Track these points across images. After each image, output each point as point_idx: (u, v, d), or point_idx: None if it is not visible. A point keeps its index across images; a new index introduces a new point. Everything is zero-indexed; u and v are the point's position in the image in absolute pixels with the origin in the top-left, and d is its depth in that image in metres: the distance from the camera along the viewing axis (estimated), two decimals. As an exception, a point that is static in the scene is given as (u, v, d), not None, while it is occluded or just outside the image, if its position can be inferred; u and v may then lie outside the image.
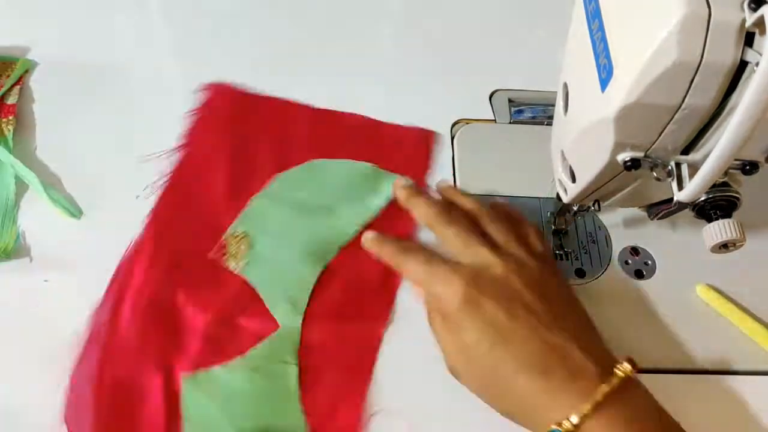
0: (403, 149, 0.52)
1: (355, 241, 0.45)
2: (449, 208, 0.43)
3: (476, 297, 0.36)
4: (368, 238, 0.43)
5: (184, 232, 0.46)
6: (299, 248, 0.45)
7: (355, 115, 0.53)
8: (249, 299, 0.43)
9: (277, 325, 0.42)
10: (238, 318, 0.42)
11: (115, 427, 0.38)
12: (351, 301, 0.44)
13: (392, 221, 0.47)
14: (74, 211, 0.48)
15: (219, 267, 0.44)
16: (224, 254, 0.45)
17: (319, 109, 0.53)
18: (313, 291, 0.44)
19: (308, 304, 0.43)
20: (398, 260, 0.41)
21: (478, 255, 0.39)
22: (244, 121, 0.51)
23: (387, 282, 0.45)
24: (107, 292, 0.43)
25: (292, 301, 0.43)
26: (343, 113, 0.53)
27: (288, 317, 0.42)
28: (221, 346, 0.41)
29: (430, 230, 0.42)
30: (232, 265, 0.44)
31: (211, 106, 0.51)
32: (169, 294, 0.43)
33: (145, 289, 0.43)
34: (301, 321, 0.42)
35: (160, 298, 0.42)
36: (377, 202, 0.48)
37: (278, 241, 0.46)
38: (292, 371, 0.41)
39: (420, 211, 0.43)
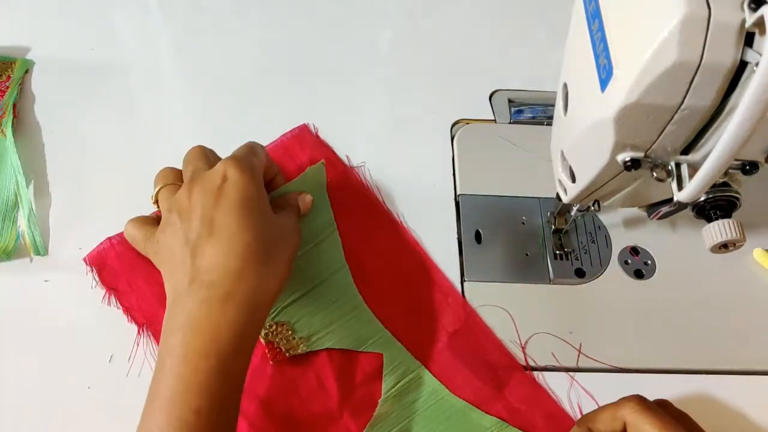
0: (288, 152, 0.52)
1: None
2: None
3: None
4: None
5: None
6: (317, 290, 0.45)
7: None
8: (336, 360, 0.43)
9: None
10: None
11: None
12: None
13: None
14: (41, 248, 0.46)
15: (290, 361, 0.43)
16: (279, 351, 0.43)
17: None
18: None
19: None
20: None
21: None
22: None
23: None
24: None
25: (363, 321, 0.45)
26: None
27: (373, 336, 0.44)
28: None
29: None
30: (300, 350, 0.43)
31: (112, 270, 0.46)
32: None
33: None
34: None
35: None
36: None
37: (300, 304, 0.45)
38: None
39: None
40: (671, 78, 0.28)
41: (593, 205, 0.42)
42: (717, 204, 0.35)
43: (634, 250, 0.49)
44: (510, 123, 0.56)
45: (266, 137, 0.53)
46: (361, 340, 0.44)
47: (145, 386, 0.41)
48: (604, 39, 0.31)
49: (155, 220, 0.41)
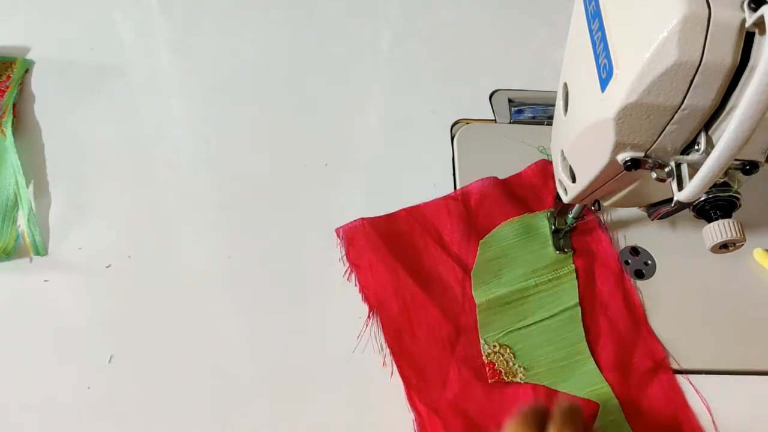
0: (532, 186, 0.52)
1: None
2: None
3: None
4: None
5: (436, 374, 0.43)
6: (546, 323, 0.45)
7: (477, 182, 0.51)
8: (550, 399, 0.43)
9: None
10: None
11: None
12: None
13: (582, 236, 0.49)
14: (41, 248, 0.46)
15: (502, 386, 0.43)
16: (499, 372, 0.43)
17: (447, 197, 0.51)
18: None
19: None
20: None
21: None
22: (396, 242, 0.48)
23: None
24: None
25: (586, 369, 0.44)
26: (467, 189, 0.51)
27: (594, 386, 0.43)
28: None
29: None
30: (519, 377, 0.43)
31: (358, 247, 0.48)
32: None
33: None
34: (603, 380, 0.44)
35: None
36: (546, 241, 0.49)
37: (527, 332, 0.45)
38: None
39: None
40: (671, 78, 0.28)
41: (593, 205, 0.42)
42: (717, 204, 0.35)
43: (634, 250, 0.49)
44: (510, 123, 0.56)
45: (265, 137, 0.53)
46: (579, 387, 0.43)
47: (145, 387, 0.42)
48: (604, 39, 0.31)
49: None
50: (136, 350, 0.43)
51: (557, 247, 0.48)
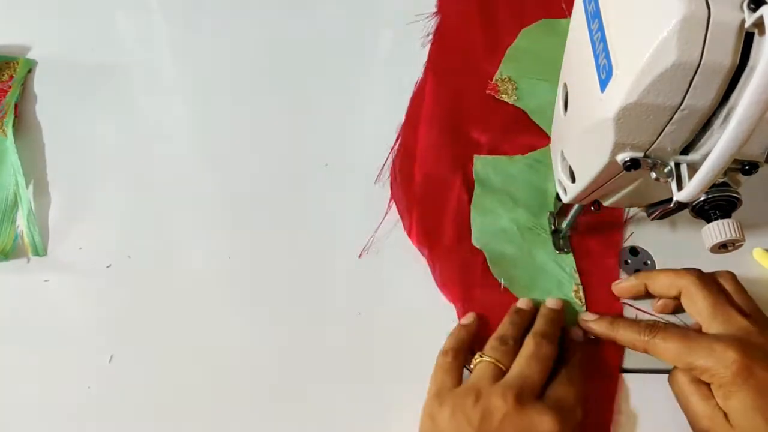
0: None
1: None
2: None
3: (749, 365, 0.35)
4: (588, 320, 0.42)
5: (457, 74, 0.56)
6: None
7: None
8: (523, 123, 0.53)
9: (547, 140, 0.51)
10: (515, 135, 0.52)
11: (429, 209, 0.48)
12: None
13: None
14: (40, 248, 0.46)
15: (494, 100, 0.54)
16: (498, 91, 0.55)
17: None
18: None
19: None
20: (644, 341, 0.39)
21: (732, 322, 0.38)
22: None
23: None
24: (407, 113, 0.54)
25: None
26: None
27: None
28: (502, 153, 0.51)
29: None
30: (509, 99, 0.54)
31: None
32: (456, 119, 0.53)
33: (435, 114, 0.53)
34: None
35: (449, 122, 0.53)
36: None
37: (536, 83, 0.55)
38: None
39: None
40: (671, 78, 0.28)
41: (593, 205, 0.42)
42: (716, 204, 0.35)
43: (634, 250, 0.49)
44: (510, 123, 0.56)
45: (266, 136, 0.53)
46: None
47: (146, 387, 0.42)
48: (603, 39, 0.31)
49: (461, 370, 0.40)
50: (136, 350, 0.43)
51: (557, 247, 0.48)
